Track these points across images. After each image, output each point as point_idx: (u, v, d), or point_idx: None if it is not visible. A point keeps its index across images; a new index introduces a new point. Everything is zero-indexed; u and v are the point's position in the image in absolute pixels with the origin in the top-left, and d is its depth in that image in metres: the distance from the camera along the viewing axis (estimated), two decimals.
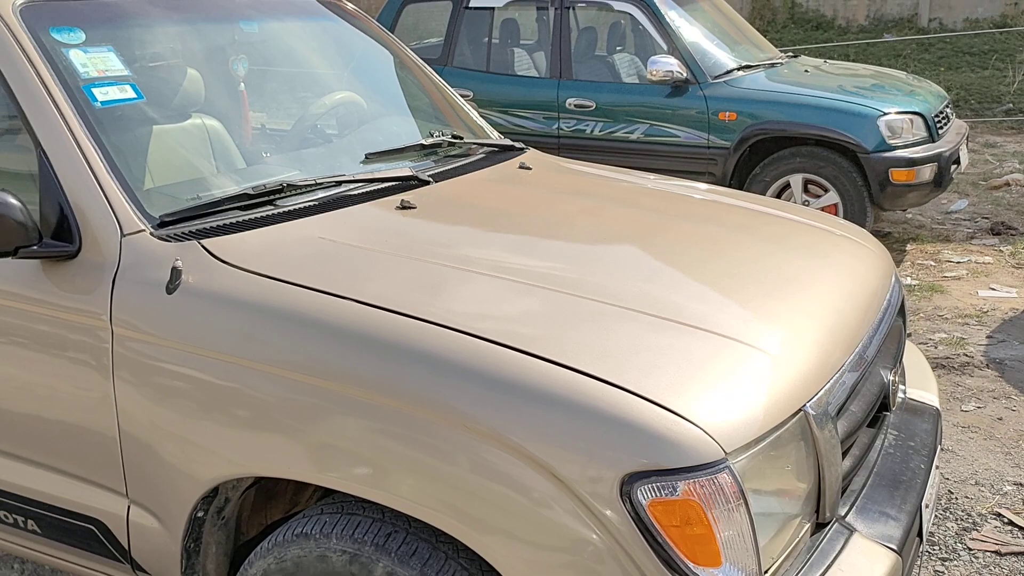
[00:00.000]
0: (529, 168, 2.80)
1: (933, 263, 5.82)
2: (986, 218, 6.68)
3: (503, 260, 2.05)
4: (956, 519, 3.09)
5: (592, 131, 6.11)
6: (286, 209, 2.17)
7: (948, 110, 6.12)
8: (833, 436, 1.78)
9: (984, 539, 2.98)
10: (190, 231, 2.02)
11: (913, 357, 2.67)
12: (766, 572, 1.63)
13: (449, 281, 1.92)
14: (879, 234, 6.34)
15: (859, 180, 5.53)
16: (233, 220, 2.09)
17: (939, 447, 2.30)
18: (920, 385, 2.51)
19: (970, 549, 2.93)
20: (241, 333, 1.82)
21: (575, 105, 6.13)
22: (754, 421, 1.63)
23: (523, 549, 1.60)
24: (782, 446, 1.69)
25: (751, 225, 2.53)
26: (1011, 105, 10.30)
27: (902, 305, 2.48)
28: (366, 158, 2.56)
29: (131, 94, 2.23)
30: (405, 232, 2.17)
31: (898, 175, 5.47)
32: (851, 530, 1.85)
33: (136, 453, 1.95)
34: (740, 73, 5.99)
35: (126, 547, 2.06)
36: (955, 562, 2.87)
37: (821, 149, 5.62)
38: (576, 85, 6.20)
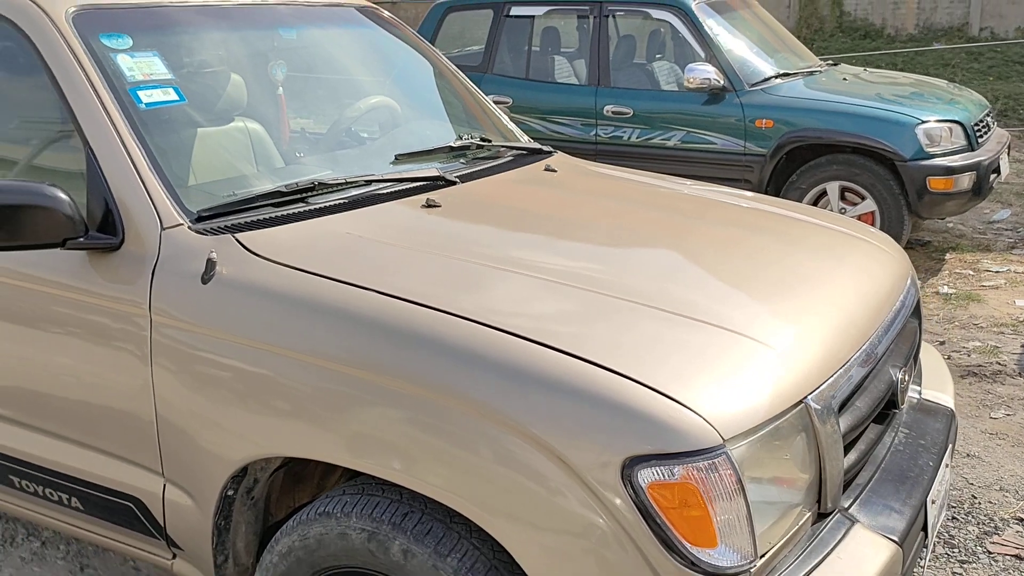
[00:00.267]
0: (554, 171, 2.89)
1: (972, 272, 5.78)
2: None
3: (521, 256, 2.14)
4: (978, 523, 3.11)
5: (629, 138, 6.17)
6: (317, 206, 2.28)
7: (989, 119, 6.08)
8: (835, 429, 1.84)
9: (1005, 543, 2.99)
10: (225, 225, 2.13)
11: (931, 359, 2.71)
12: (763, 556, 1.69)
13: (466, 275, 2.01)
14: (919, 243, 6.32)
15: (896, 188, 5.53)
16: (266, 216, 2.20)
17: (951, 446, 2.33)
18: (936, 387, 2.55)
19: (990, 552, 2.95)
20: (270, 321, 1.93)
21: (613, 112, 6.20)
22: (753, 411, 1.70)
23: (536, 534, 1.67)
24: (782, 436, 1.75)
25: (769, 226, 2.59)
26: None
27: (917, 307, 2.52)
28: (396, 159, 2.67)
29: (173, 96, 2.35)
30: (427, 229, 2.26)
31: (936, 183, 5.46)
32: (853, 521, 1.90)
33: (171, 434, 2.06)
34: (778, 81, 6.02)
35: (162, 524, 2.18)
36: (974, 565, 2.89)
37: (858, 157, 5.62)
38: (614, 92, 6.27)
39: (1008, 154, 6.08)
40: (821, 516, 1.88)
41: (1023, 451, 3.57)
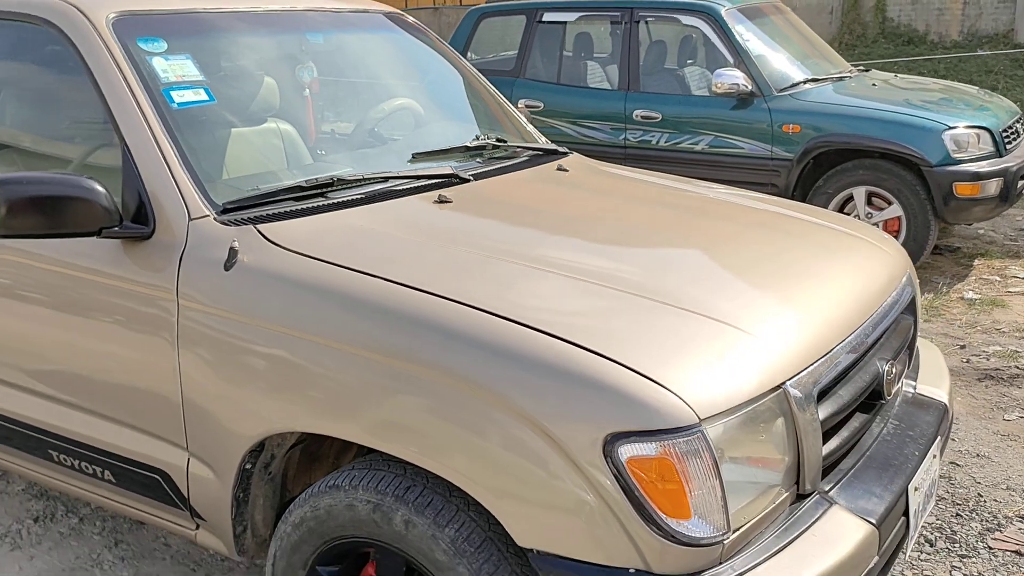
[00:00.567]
0: (566, 170, 3.01)
1: (999, 278, 5.79)
2: None
3: (523, 249, 2.26)
4: (981, 520, 3.16)
5: (658, 142, 6.27)
6: (335, 201, 2.43)
7: (1019, 125, 6.08)
8: (814, 415, 1.94)
9: (1006, 539, 3.04)
10: (248, 217, 2.29)
11: (930, 355, 2.78)
12: (737, 530, 1.79)
13: (468, 264, 2.14)
14: (948, 249, 6.33)
15: (923, 193, 5.55)
16: (286, 209, 2.35)
17: (940, 438, 2.41)
18: (932, 382, 2.62)
19: (991, 548, 3.00)
20: (285, 305, 2.08)
21: (642, 116, 6.30)
22: (731, 393, 1.81)
23: (527, 508, 1.80)
24: (759, 419, 1.85)
25: (768, 223, 2.69)
26: None
27: (913, 304, 2.60)
28: (413, 157, 2.81)
29: (204, 97, 2.51)
30: (438, 223, 2.40)
31: (962, 189, 5.48)
32: (831, 503, 1.99)
33: (194, 410, 2.22)
34: (806, 86, 6.07)
35: (186, 495, 2.33)
36: (973, 559, 2.95)
37: (885, 162, 5.66)
38: (643, 97, 6.37)
39: None
40: (801, 497, 1.97)
41: None
